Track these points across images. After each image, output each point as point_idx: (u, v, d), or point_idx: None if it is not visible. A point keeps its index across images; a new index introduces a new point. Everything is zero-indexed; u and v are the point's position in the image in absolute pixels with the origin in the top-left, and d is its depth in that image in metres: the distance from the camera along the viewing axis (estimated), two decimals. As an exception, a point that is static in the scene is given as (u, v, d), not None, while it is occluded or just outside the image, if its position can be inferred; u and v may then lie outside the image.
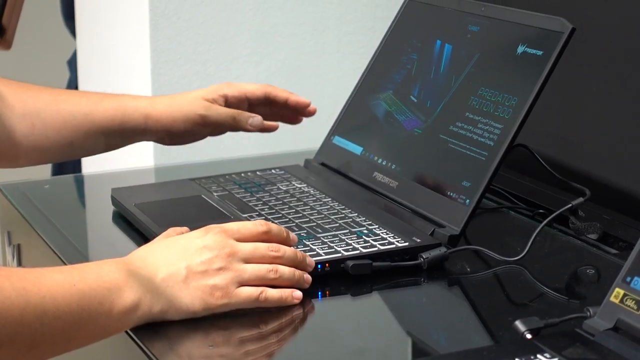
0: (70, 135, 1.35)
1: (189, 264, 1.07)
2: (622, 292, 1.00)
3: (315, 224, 1.29)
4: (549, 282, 1.20)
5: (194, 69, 1.83)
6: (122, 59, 1.92)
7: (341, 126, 1.53)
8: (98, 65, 2.07)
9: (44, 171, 2.16)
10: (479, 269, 1.24)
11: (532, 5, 1.43)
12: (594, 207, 1.38)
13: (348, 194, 1.40)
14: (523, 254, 1.23)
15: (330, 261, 1.18)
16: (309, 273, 1.15)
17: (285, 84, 1.90)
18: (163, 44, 1.79)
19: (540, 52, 1.28)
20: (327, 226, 1.28)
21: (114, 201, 1.41)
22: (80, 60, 2.16)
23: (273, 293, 1.10)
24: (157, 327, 1.06)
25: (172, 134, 1.40)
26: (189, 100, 1.40)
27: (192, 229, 1.14)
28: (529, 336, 1.01)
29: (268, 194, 1.41)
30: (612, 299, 1.01)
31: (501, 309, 1.16)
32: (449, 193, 1.29)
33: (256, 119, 1.43)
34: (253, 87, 1.45)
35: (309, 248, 1.20)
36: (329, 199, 1.38)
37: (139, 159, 1.93)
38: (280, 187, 1.44)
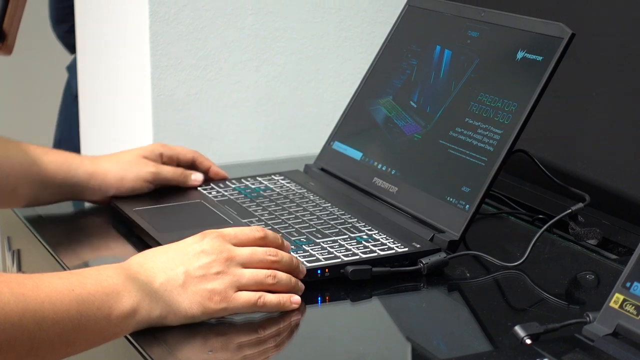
0: (15, 183, 1.35)
1: (186, 269, 1.07)
2: (621, 297, 1.00)
3: (315, 229, 1.29)
4: (549, 288, 1.20)
5: (194, 74, 1.83)
6: (122, 64, 1.92)
7: (341, 131, 1.53)
8: (98, 71, 2.07)
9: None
10: (479, 275, 1.24)
11: (532, 10, 1.44)
12: (593, 212, 1.38)
13: (348, 199, 1.40)
14: (523, 259, 1.23)
15: (330, 266, 1.18)
16: (305, 279, 1.15)
17: (285, 89, 1.90)
18: (163, 48, 1.79)
19: (540, 58, 1.28)
20: (326, 231, 1.28)
21: (114, 206, 1.41)
22: (81, 66, 2.16)
23: (271, 298, 1.10)
24: (157, 332, 1.06)
25: (119, 190, 1.41)
26: (135, 160, 1.44)
27: (191, 234, 1.14)
28: (528, 341, 1.01)
29: (268, 199, 1.41)
30: (611, 304, 1.01)
31: (501, 314, 1.15)
32: (448, 198, 1.29)
33: (199, 175, 1.48)
34: (183, 150, 1.50)
35: (308, 253, 1.20)
36: (329, 204, 1.38)
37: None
38: (280, 192, 1.44)
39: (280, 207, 1.37)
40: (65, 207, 1.46)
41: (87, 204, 1.46)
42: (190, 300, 1.06)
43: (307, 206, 1.38)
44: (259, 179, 1.50)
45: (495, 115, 1.29)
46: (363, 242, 1.24)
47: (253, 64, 1.87)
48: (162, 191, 1.45)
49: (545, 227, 1.28)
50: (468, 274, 1.24)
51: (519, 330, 1.02)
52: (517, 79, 1.30)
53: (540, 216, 1.42)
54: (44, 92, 3.28)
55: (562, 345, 1.00)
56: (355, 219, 1.32)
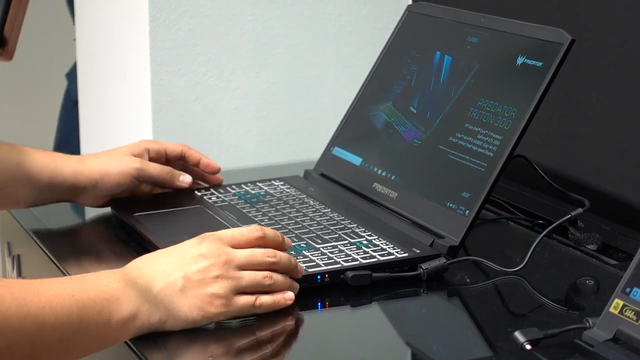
0: (1, 182, 1.35)
1: (185, 273, 1.07)
2: (621, 302, 1.00)
3: (314, 234, 1.29)
4: (549, 293, 1.20)
5: (194, 80, 1.83)
6: (122, 70, 1.92)
7: (341, 137, 1.53)
8: (98, 77, 2.07)
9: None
10: (479, 280, 1.24)
11: (532, 16, 1.44)
12: (593, 217, 1.38)
13: (347, 205, 1.40)
14: (522, 264, 1.23)
15: (330, 272, 1.18)
16: (305, 284, 1.15)
17: (284, 95, 1.90)
18: (163, 54, 1.80)
19: (539, 64, 1.28)
20: (326, 237, 1.28)
21: (114, 211, 1.42)
22: (81, 72, 2.16)
23: (267, 298, 1.11)
24: (157, 337, 1.06)
25: (104, 186, 1.39)
26: (120, 156, 1.41)
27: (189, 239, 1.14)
28: (528, 347, 1.01)
29: (268, 204, 1.41)
30: (611, 309, 1.01)
31: (501, 319, 1.15)
32: (448, 204, 1.29)
33: (187, 176, 1.46)
34: (172, 144, 1.48)
35: (308, 259, 1.20)
36: (329, 210, 1.38)
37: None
38: (280, 198, 1.44)
39: (280, 213, 1.38)
40: (66, 213, 1.46)
41: (86, 209, 1.46)
42: (190, 305, 1.07)
43: (307, 211, 1.38)
44: (259, 184, 1.50)
45: (495, 121, 1.30)
46: (363, 247, 1.24)
47: (253, 70, 1.87)
48: (162, 197, 1.45)
49: (545, 232, 1.28)
50: (468, 280, 1.24)
51: (518, 335, 1.02)
52: (517, 85, 1.30)
53: (540, 221, 1.42)
54: (43, 99, 3.28)
55: (562, 351, 1.00)
56: (355, 225, 1.32)
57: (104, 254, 1.37)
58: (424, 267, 1.21)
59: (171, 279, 1.07)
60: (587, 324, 1.02)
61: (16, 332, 0.95)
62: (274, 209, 1.39)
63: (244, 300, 1.09)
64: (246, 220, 1.35)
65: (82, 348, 1.02)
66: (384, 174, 1.42)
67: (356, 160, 1.48)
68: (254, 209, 1.40)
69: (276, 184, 1.50)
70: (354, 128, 1.52)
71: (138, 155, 1.42)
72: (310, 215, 1.36)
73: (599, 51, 1.47)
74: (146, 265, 1.09)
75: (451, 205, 1.29)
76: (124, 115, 1.94)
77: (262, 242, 1.13)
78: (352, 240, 1.27)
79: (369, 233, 1.29)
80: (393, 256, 1.22)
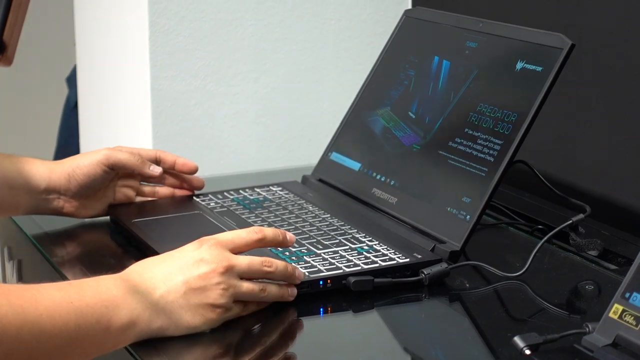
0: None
1: (187, 279, 1.07)
2: (621, 307, 1.00)
3: (315, 240, 1.29)
4: (549, 298, 1.20)
5: (194, 85, 1.83)
6: (122, 75, 1.92)
7: (338, 142, 1.53)
8: (98, 82, 2.07)
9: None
10: (480, 285, 1.24)
11: (531, 21, 1.44)
12: (593, 223, 1.38)
13: (347, 210, 1.40)
14: (524, 269, 1.23)
15: (332, 277, 1.18)
16: (306, 290, 1.16)
17: (284, 100, 1.90)
18: (163, 59, 1.80)
19: (539, 68, 1.28)
20: (327, 242, 1.28)
21: (113, 217, 1.41)
22: (80, 77, 2.16)
23: (253, 307, 1.12)
24: (157, 343, 1.06)
25: (75, 178, 1.37)
26: (92, 153, 1.40)
27: None
28: (528, 352, 1.01)
29: (267, 210, 1.41)
30: (611, 314, 1.01)
31: (501, 324, 1.15)
32: (449, 209, 1.29)
33: (157, 167, 1.43)
34: (145, 149, 1.46)
35: (310, 264, 1.20)
36: (328, 215, 1.38)
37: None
38: (279, 203, 1.44)
39: (280, 219, 1.37)
40: (66, 218, 1.46)
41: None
42: (192, 312, 1.06)
43: (306, 217, 1.38)
44: (257, 189, 1.50)
45: (495, 126, 1.30)
46: (364, 252, 1.24)
47: (252, 75, 1.87)
48: (160, 203, 1.45)
49: (546, 237, 1.28)
50: (469, 285, 1.24)
51: (518, 340, 1.02)
52: (517, 90, 1.30)
53: (540, 227, 1.42)
54: (43, 103, 3.28)
55: (562, 356, 1.00)
56: (355, 230, 1.32)
57: (103, 259, 1.36)
58: (425, 272, 1.21)
59: (172, 285, 1.07)
60: (587, 329, 1.02)
61: (14, 339, 0.95)
62: (273, 214, 1.39)
63: (238, 309, 1.11)
64: (245, 226, 1.34)
65: (81, 354, 1.02)
66: (383, 179, 1.42)
67: (355, 165, 1.48)
68: (253, 214, 1.39)
69: (274, 189, 1.50)
70: (351, 133, 1.52)
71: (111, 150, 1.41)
72: (310, 220, 1.36)
73: (599, 56, 1.47)
74: (146, 270, 1.08)
75: (452, 210, 1.29)
76: (124, 120, 1.94)
77: (261, 245, 1.14)
78: (353, 246, 1.27)
79: (370, 238, 1.29)
80: (395, 261, 1.22)
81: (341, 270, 1.19)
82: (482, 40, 1.38)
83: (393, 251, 1.24)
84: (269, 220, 1.37)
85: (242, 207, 1.43)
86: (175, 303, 1.06)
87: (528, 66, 1.30)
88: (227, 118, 1.86)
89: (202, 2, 1.82)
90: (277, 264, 1.13)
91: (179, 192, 1.48)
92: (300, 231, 1.32)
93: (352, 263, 1.21)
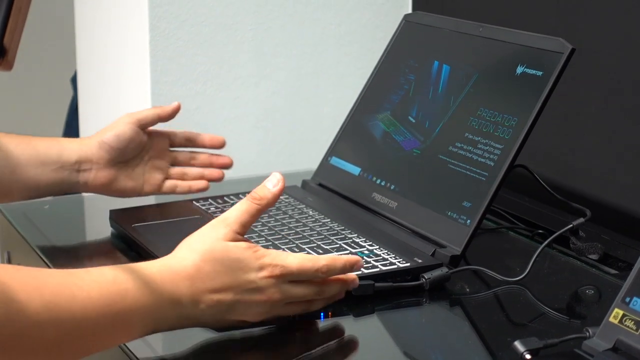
0: (15, 162, 1.35)
1: (237, 301, 1.05)
2: (621, 312, 1.00)
3: (315, 244, 1.29)
4: (550, 303, 1.20)
5: (194, 89, 1.83)
6: (122, 80, 1.92)
7: (338, 147, 1.53)
8: (98, 86, 2.07)
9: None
10: (480, 289, 1.24)
11: (531, 26, 1.44)
12: (593, 227, 1.38)
13: (347, 215, 1.40)
14: (524, 274, 1.23)
15: (331, 282, 1.18)
16: None
17: (284, 105, 1.90)
18: (163, 64, 1.80)
19: (539, 73, 1.28)
20: (327, 247, 1.28)
21: (113, 222, 1.41)
22: (81, 81, 2.16)
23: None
24: (157, 346, 1.06)
25: (106, 144, 1.40)
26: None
27: None
28: (528, 357, 1.01)
29: (267, 214, 1.41)
30: (611, 319, 1.01)
31: (502, 329, 1.15)
32: (449, 213, 1.29)
33: (175, 103, 1.46)
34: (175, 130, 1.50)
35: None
36: (328, 220, 1.38)
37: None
38: (279, 207, 1.44)
39: (280, 223, 1.37)
40: (67, 223, 1.46)
41: (87, 219, 1.46)
42: (224, 322, 1.06)
43: (306, 221, 1.38)
44: (259, 194, 1.50)
45: (495, 130, 1.30)
46: (365, 257, 1.24)
47: (252, 79, 1.87)
48: (160, 207, 1.45)
49: (547, 241, 1.28)
50: (469, 289, 1.24)
51: (518, 345, 1.02)
52: (517, 94, 1.30)
53: (540, 231, 1.42)
54: (47, 104, 3.28)
55: (563, 361, 1.00)
56: (356, 234, 1.32)
57: (103, 264, 1.36)
58: (426, 277, 1.21)
59: (220, 298, 1.04)
60: (587, 334, 1.02)
61: (40, 338, 0.93)
62: (273, 219, 1.39)
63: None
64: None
65: (98, 348, 1.00)
66: (383, 183, 1.42)
67: (354, 170, 1.48)
68: (254, 218, 1.39)
69: (276, 193, 1.50)
70: (351, 138, 1.52)
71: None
72: (310, 225, 1.36)
73: (600, 60, 1.47)
74: (197, 278, 1.04)
75: (452, 214, 1.29)
76: (124, 125, 1.94)
77: (325, 277, 1.11)
78: (354, 250, 1.26)
79: (370, 243, 1.29)
80: (395, 266, 1.22)
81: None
82: (482, 45, 1.38)
83: (393, 256, 1.24)
84: (270, 224, 1.36)
85: (242, 211, 1.42)
86: (217, 316, 1.05)
87: (528, 71, 1.30)
88: (227, 123, 1.86)
89: (203, 7, 1.82)
90: (326, 291, 1.12)
91: (209, 173, 1.48)
92: (300, 235, 1.32)
93: (353, 267, 1.21)
